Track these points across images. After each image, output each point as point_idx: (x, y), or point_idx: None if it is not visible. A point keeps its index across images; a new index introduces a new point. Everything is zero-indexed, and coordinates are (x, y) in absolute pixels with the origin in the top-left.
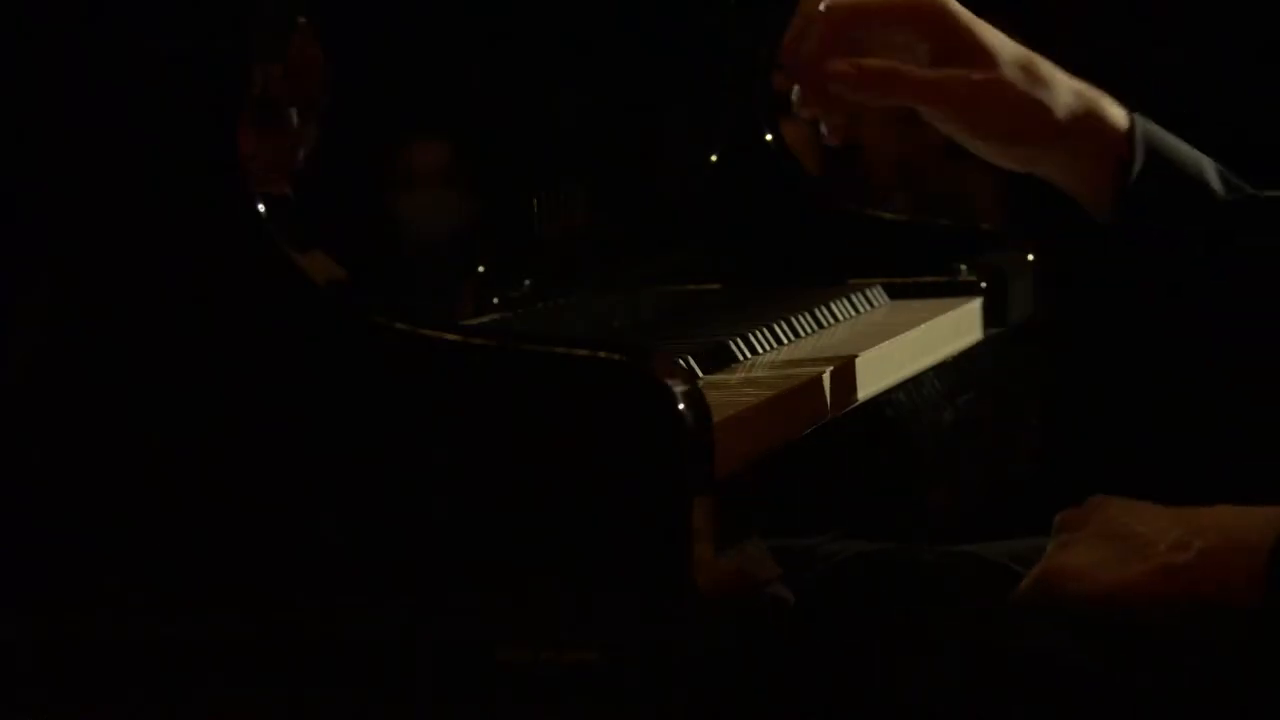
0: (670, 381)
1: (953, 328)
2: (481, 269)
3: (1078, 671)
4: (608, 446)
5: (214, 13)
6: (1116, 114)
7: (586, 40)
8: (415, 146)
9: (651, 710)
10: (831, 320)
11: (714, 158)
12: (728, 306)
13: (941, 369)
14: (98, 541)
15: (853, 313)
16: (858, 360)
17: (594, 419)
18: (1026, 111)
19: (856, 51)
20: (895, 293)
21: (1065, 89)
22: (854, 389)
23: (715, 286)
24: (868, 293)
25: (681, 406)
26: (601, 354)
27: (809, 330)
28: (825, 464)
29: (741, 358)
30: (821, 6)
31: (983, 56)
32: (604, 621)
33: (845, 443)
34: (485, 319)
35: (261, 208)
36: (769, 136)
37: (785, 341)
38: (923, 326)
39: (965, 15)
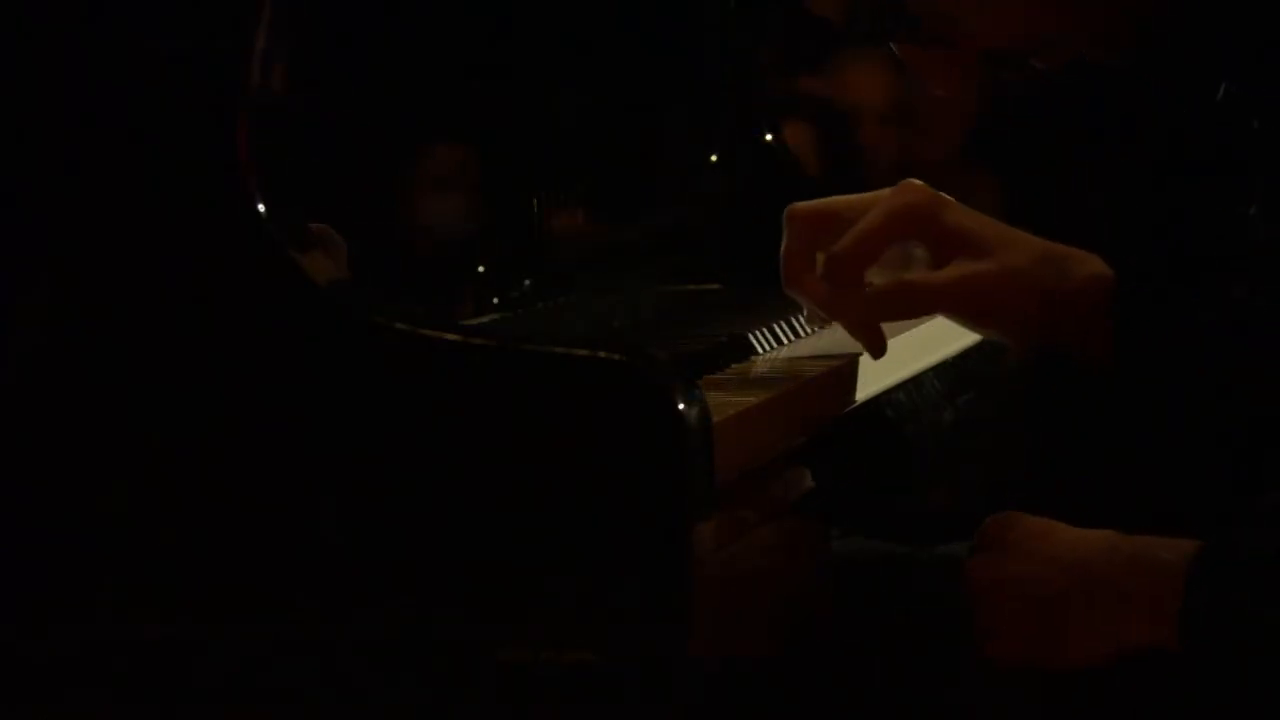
0: (670, 382)
1: (953, 328)
2: (481, 269)
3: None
4: (608, 447)
5: (214, 13)
6: (1099, 267)
7: (586, 40)
8: (416, 147)
9: (650, 710)
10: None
11: (714, 158)
12: (728, 306)
13: (941, 369)
14: (97, 541)
15: None
16: (858, 360)
17: (594, 419)
18: (1035, 289)
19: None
20: None
21: (1057, 256)
22: (854, 389)
23: (715, 286)
24: None
25: (682, 406)
26: (601, 354)
27: (809, 330)
28: (825, 464)
29: (742, 358)
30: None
31: (977, 247)
32: (604, 622)
33: (845, 443)
34: (485, 319)
35: (261, 208)
36: (769, 136)
37: (785, 341)
38: (923, 326)
39: (951, 208)
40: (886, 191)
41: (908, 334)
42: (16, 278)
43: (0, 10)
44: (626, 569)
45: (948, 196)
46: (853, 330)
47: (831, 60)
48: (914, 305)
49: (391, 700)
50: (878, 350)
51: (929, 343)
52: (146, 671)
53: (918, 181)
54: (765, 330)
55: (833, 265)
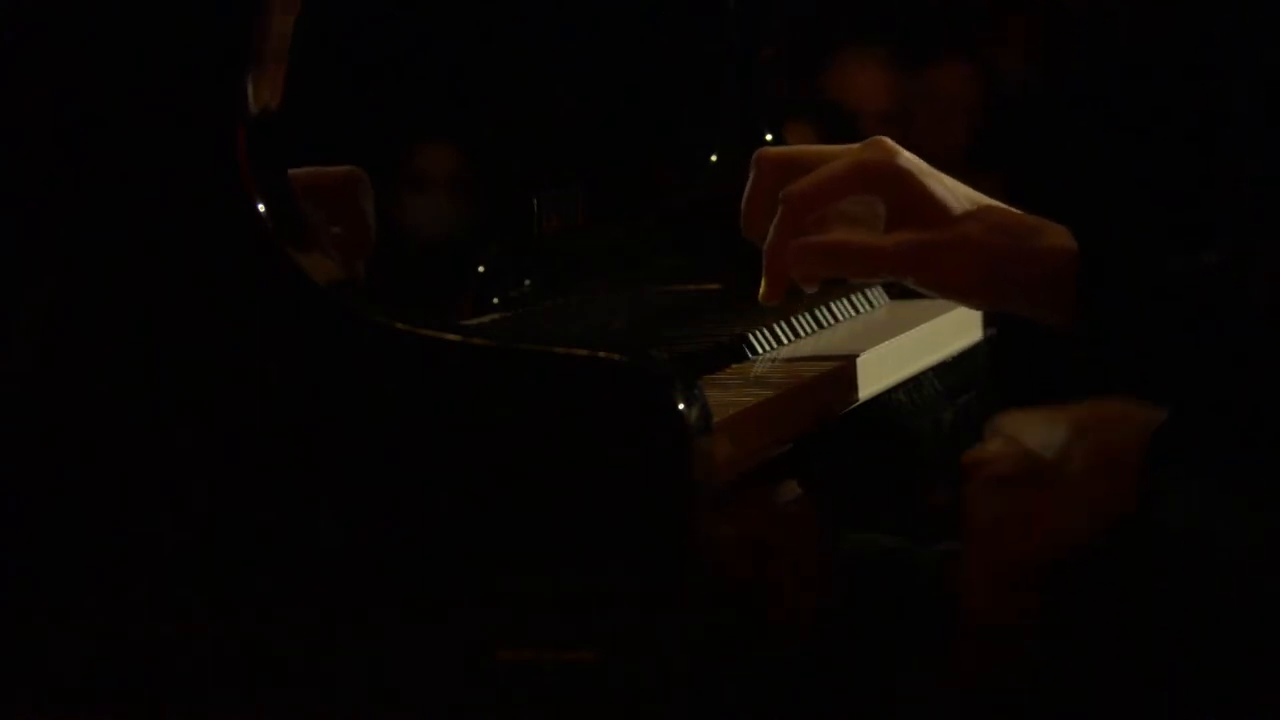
0: (670, 382)
1: (953, 328)
2: (481, 269)
3: (1072, 663)
4: (608, 447)
5: (215, 13)
6: (1065, 240)
7: (586, 40)
8: (416, 147)
9: (650, 710)
10: (831, 320)
11: (714, 158)
12: (728, 306)
13: (941, 369)
14: (98, 541)
15: (853, 313)
16: (858, 360)
17: (594, 420)
18: (987, 261)
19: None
20: (895, 293)
21: (1018, 228)
22: (854, 389)
23: (715, 286)
24: (868, 293)
25: (682, 406)
26: (601, 355)
27: (809, 330)
28: (825, 464)
29: (742, 358)
30: (781, 195)
31: (935, 212)
32: (604, 621)
33: (845, 443)
34: (485, 319)
35: (261, 208)
36: (769, 136)
37: (785, 341)
38: (923, 326)
39: (915, 171)
40: (857, 145)
41: (908, 334)
42: (17, 278)
43: (0, 10)
44: (627, 569)
45: (917, 158)
46: (768, 269)
47: (832, 60)
48: (853, 265)
49: (392, 700)
50: (769, 297)
51: (929, 343)
52: (148, 671)
53: (888, 140)
54: (765, 330)
55: (783, 203)
